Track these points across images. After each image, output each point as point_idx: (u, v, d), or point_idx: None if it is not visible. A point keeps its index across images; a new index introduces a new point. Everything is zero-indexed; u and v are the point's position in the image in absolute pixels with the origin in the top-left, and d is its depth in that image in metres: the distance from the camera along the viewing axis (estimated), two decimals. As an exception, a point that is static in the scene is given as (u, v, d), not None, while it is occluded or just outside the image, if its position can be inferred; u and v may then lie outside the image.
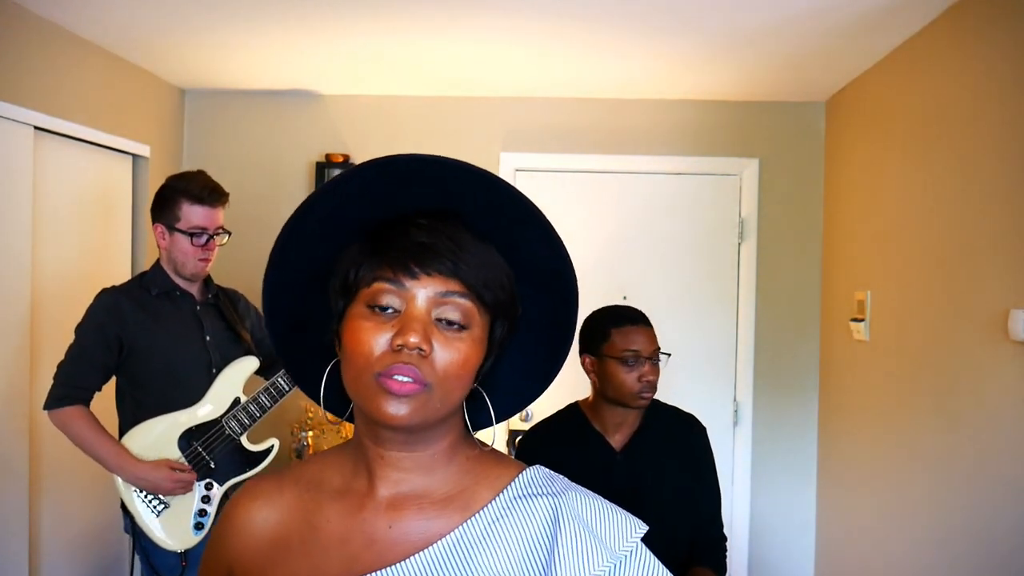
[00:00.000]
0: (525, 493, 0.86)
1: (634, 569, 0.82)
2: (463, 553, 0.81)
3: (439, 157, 0.80)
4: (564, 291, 0.87)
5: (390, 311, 0.80)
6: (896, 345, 2.88)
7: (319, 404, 0.89)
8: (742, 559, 3.73)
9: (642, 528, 0.84)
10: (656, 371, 2.06)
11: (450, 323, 0.80)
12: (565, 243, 0.86)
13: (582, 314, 2.10)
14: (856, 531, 3.22)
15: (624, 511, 0.86)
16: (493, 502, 0.85)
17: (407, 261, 0.79)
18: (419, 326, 0.78)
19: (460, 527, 0.83)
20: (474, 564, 0.81)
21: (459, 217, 0.83)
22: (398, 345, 0.77)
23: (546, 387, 0.93)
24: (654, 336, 2.08)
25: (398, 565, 0.81)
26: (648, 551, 0.85)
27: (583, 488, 0.88)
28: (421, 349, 0.77)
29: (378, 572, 0.81)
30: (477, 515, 0.84)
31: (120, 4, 2.71)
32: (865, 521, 3.12)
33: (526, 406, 0.94)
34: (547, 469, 0.90)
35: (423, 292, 0.79)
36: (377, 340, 0.79)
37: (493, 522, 0.83)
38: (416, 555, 0.81)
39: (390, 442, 0.84)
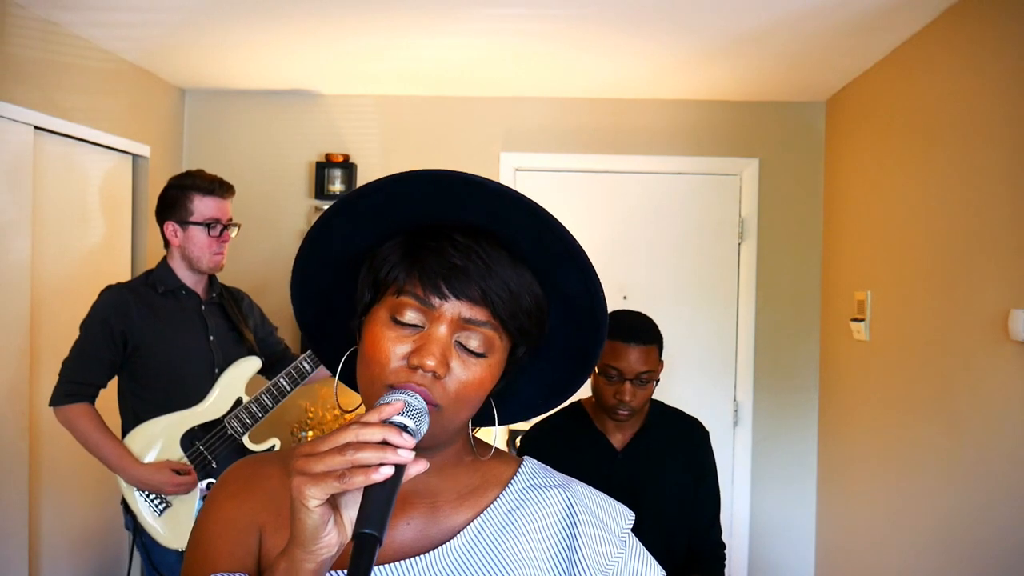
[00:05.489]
0: (532, 484, 0.91)
1: (631, 554, 0.90)
2: (487, 541, 0.85)
3: (491, 184, 0.78)
4: (592, 326, 0.86)
5: (413, 326, 0.79)
6: (896, 345, 2.88)
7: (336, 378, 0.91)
8: (742, 559, 3.73)
9: (631, 516, 0.92)
10: (635, 393, 1.97)
11: (470, 350, 0.80)
12: None
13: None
14: (856, 531, 3.22)
15: (615, 500, 0.93)
16: (503, 494, 0.89)
17: (437, 281, 0.79)
18: (438, 349, 0.77)
19: (479, 518, 0.86)
20: (500, 549, 0.84)
21: (496, 237, 0.81)
22: (415, 365, 0.77)
23: (561, 402, 0.93)
24: (647, 357, 1.97)
25: (430, 554, 0.83)
26: (635, 538, 0.92)
27: (575, 479, 0.95)
28: (436, 373, 0.77)
29: (408, 560, 0.82)
30: (492, 506, 0.88)
31: (120, 4, 2.71)
32: (865, 521, 3.12)
33: (539, 415, 0.95)
34: (536, 461, 0.95)
35: (448, 314, 0.79)
36: (395, 351, 0.78)
37: (510, 511, 0.88)
38: (445, 545, 0.83)
39: None
